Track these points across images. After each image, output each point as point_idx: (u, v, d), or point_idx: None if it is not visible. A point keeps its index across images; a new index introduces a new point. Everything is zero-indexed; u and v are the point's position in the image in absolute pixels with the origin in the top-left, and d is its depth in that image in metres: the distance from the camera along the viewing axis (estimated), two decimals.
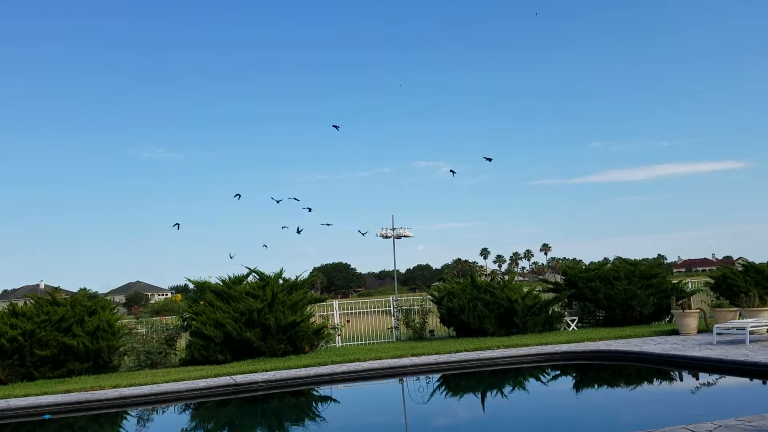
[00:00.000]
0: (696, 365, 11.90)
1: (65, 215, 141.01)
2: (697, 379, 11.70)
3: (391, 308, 20.38)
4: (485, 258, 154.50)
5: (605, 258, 21.06)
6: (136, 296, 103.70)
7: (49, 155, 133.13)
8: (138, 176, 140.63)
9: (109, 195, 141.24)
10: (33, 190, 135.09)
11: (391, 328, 20.11)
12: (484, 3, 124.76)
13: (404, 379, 13.35)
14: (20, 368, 14.99)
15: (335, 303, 20.02)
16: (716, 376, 11.42)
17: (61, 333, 15.33)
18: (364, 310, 20.79)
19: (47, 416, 11.02)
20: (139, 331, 17.56)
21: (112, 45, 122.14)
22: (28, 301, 16.39)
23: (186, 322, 17.39)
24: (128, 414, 11.48)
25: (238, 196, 22.86)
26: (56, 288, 18.43)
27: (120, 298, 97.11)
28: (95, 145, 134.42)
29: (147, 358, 16.29)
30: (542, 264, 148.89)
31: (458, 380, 13.36)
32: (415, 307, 20.06)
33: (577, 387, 12.65)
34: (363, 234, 23.23)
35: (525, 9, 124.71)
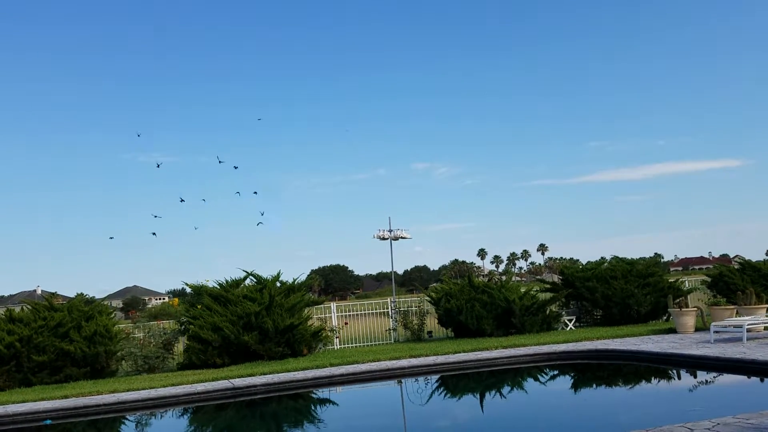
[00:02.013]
0: (694, 363, 11.92)
1: (61, 220, 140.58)
2: (695, 377, 11.72)
3: (389, 310, 20.38)
4: (482, 259, 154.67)
5: (602, 257, 21.08)
6: (133, 301, 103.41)
7: (45, 159, 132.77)
8: (134, 180, 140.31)
9: (105, 199, 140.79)
10: (29, 195, 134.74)
11: (389, 329, 20.10)
12: (481, 3, 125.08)
13: (403, 380, 13.34)
14: (17, 374, 14.95)
15: (333, 305, 20.01)
16: (714, 374, 11.43)
17: (58, 338, 15.29)
18: (362, 312, 20.77)
19: (48, 421, 11.00)
20: (136, 335, 17.53)
21: (108, 48, 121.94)
22: (24, 307, 16.35)
23: (183, 326, 17.36)
24: (126, 419, 11.45)
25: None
26: (53, 293, 18.36)
27: (117, 303, 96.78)
28: (91, 149, 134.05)
29: (145, 363, 16.26)
30: (539, 264, 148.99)
31: (457, 381, 13.36)
32: (413, 308, 20.06)
33: (576, 386, 12.65)
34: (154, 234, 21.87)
35: (522, 8, 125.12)
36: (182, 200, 24.97)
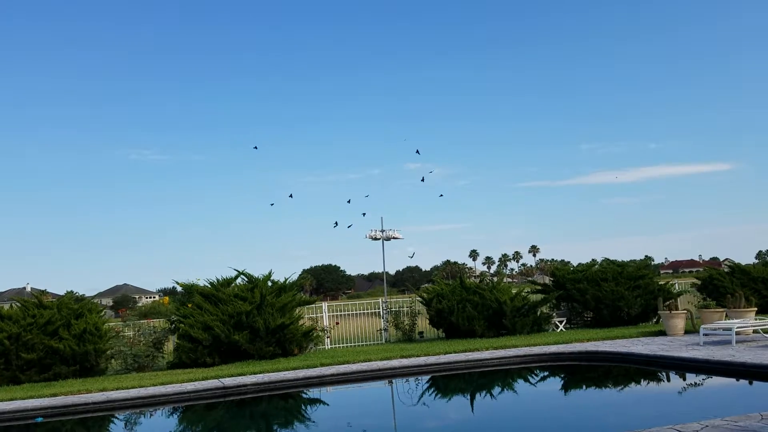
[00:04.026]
0: (683, 366, 11.98)
1: (52, 217, 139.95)
2: (684, 379, 11.77)
3: (381, 310, 20.37)
4: (474, 260, 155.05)
5: (593, 259, 21.20)
6: (123, 299, 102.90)
7: (36, 157, 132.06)
8: (126, 178, 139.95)
9: (96, 197, 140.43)
10: (19, 192, 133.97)
11: (381, 330, 20.10)
12: (475, 3, 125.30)
13: (393, 381, 13.34)
14: (6, 372, 14.86)
15: (324, 305, 19.98)
16: (703, 376, 11.50)
17: (47, 336, 15.20)
18: (353, 312, 20.77)
19: (39, 419, 10.95)
20: (126, 334, 17.44)
21: (101, 47, 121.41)
22: (14, 304, 16.24)
23: (174, 325, 17.29)
24: (115, 418, 11.40)
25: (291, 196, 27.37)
26: (43, 291, 18.24)
27: (107, 301, 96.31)
28: (83, 147, 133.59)
29: (134, 362, 16.18)
30: (531, 265, 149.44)
31: (447, 382, 13.37)
32: (405, 308, 20.06)
33: (565, 388, 12.69)
34: None
35: (518, 10, 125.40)
36: (255, 147, 27.19)
